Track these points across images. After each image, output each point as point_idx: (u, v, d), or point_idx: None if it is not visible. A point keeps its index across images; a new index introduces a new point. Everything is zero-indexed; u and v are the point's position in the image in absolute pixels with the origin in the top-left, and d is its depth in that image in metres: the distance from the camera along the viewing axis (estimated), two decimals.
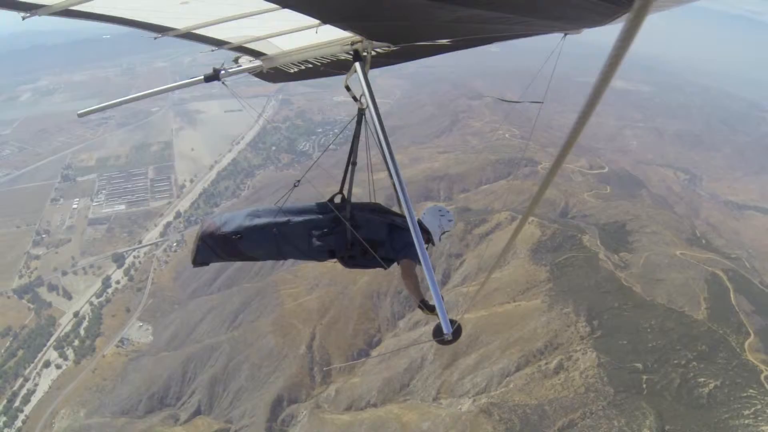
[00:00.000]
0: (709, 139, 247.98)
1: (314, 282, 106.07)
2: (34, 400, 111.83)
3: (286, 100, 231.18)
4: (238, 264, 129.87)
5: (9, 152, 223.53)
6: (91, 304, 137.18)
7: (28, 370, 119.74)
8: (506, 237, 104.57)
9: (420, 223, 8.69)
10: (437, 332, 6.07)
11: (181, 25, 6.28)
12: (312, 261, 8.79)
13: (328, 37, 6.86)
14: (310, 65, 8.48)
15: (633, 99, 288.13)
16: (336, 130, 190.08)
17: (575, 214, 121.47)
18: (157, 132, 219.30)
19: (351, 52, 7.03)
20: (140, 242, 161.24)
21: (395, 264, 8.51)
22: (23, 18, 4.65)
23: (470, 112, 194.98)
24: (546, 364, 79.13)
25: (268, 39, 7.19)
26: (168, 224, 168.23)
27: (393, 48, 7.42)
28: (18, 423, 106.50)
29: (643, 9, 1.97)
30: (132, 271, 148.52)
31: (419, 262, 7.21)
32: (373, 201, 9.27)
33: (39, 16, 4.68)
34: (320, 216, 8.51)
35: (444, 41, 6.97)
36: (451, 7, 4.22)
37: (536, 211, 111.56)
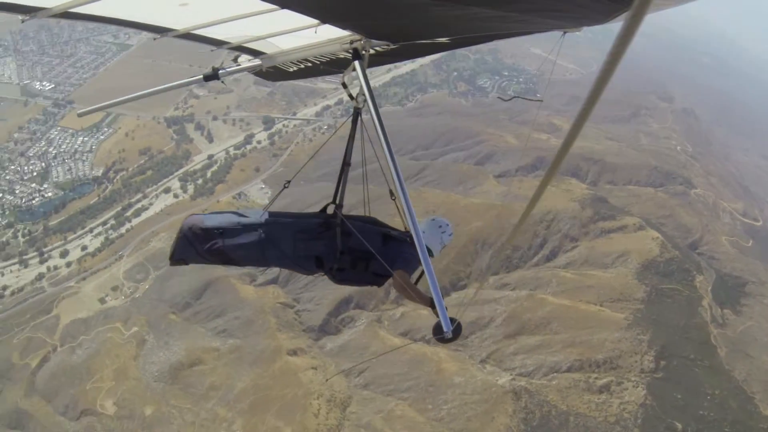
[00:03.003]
0: None
1: (432, 208, 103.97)
2: (144, 216, 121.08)
3: None
4: (373, 165, 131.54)
5: None
6: (227, 153, 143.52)
7: (149, 189, 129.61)
8: (626, 241, 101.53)
9: None
10: (437, 330, 6.19)
11: (180, 26, 6.48)
12: (299, 271, 8.54)
13: (327, 35, 6.87)
14: (309, 64, 8.48)
15: None
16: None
17: (704, 252, 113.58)
18: None
19: (350, 51, 7.06)
20: (294, 114, 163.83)
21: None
22: (22, 21, 4.80)
23: (654, 111, 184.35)
24: (596, 378, 77.31)
25: (268, 38, 7.30)
26: (326, 107, 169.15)
27: (392, 46, 7.47)
28: (122, 230, 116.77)
29: (642, 8, 2.01)
30: (276, 138, 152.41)
31: (411, 273, 7.86)
32: (368, 214, 9.10)
33: (39, 18, 4.81)
34: (309, 220, 8.34)
35: (443, 39, 7.01)
36: (450, 5, 4.32)
37: (668, 231, 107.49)
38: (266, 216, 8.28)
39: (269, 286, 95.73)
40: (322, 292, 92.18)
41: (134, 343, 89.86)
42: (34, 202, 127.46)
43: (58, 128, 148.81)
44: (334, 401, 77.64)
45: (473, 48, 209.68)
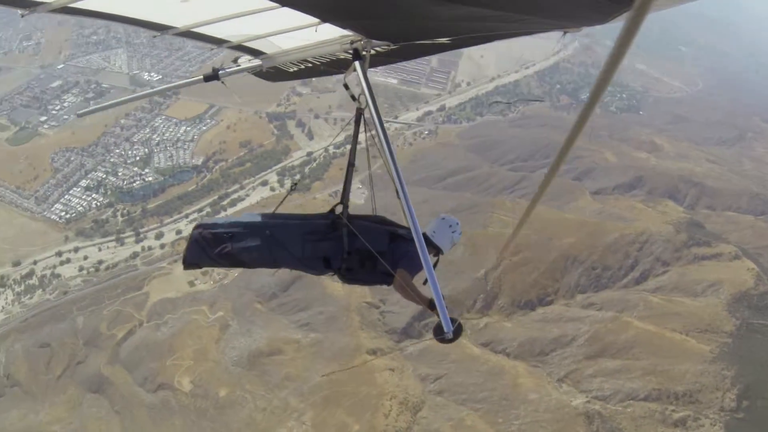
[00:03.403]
0: None
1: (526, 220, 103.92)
2: (239, 206, 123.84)
3: (589, 46, 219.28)
4: (472, 173, 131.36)
5: None
6: (326, 151, 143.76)
7: (246, 181, 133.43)
8: (719, 270, 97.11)
9: (429, 240, 8.64)
10: (438, 330, 6.39)
11: (180, 23, 6.48)
12: (309, 272, 8.67)
13: (327, 35, 6.92)
14: (310, 64, 8.51)
15: None
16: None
17: None
18: None
19: (350, 51, 7.07)
20: (396, 117, 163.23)
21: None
22: (22, 15, 4.74)
23: (760, 135, 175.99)
24: (672, 410, 74.25)
25: (268, 38, 7.32)
26: (428, 113, 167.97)
27: (393, 47, 7.49)
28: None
29: (643, 8, 2.03)
30: (376, 140, 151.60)
31: (414, 273, 7.92)
32: (375, 213, 9.29)
33: (38, 13, 4.75)
34: (317, 221, 8.52)
35: (444, 39, 6.95)
36: (450, 5, 4.29)
37: (765, 263, 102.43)
38: (274, 218, 8.56)
39: (355, 287, 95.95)
40: None
41: (217, 327, 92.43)
42: (135, 184, 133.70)
43: (163, 117, 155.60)
44: (406, 404, 77.78)
45: (577, 61, 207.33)
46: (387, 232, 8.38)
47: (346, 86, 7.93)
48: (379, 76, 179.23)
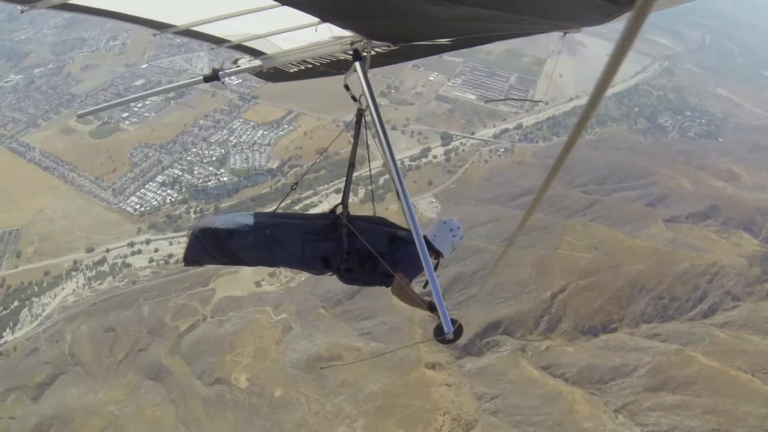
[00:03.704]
0: None
1: (596, 244, 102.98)
2: (312, 211, 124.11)
3: (670, 69, 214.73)
4: (545, 194, 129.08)
5: None
6: (402, 163, 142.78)
7: (320, 187, 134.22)
8: None
9: (429, 243, 8.64)
10: (438, 331, 6.41)
11: (180, 22, 6.60)
12: (308, 271, 8.76)
13: (327, 36, 7.00)
14: (310, 65, 8.60)
15: None
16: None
17: None
18: (535, 46, 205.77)
19: (350, 52, 7.17)
20: (473, 133, 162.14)
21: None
22: (21, 11, 4.73)
23: None
24: None
25: (268, 37, 7.42)
26: (505, 130, 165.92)
27: (393, 47, 7.54)
28: None
29: (644, 8, 2.03)
30: (452, 154, 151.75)
31: (414, 275, 8.01)
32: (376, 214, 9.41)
33: (37, 9, 4.74)
34: (317, 221, 8.63)
35: (444, 40, 7.01)
36: (449, 5, 4.31)
37: None
38: (274, 218, 8.71)
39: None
40: (475, 312, 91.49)
41: (280, 328, 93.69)
42: (209, 183, 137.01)
43: (241, 120, 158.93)
44: (459, 421, 77.05)
45: (656, 84, 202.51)
46: (387, 234, 8.48)
47: (346, 87, 8.17)
48: (458, 91, 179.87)
